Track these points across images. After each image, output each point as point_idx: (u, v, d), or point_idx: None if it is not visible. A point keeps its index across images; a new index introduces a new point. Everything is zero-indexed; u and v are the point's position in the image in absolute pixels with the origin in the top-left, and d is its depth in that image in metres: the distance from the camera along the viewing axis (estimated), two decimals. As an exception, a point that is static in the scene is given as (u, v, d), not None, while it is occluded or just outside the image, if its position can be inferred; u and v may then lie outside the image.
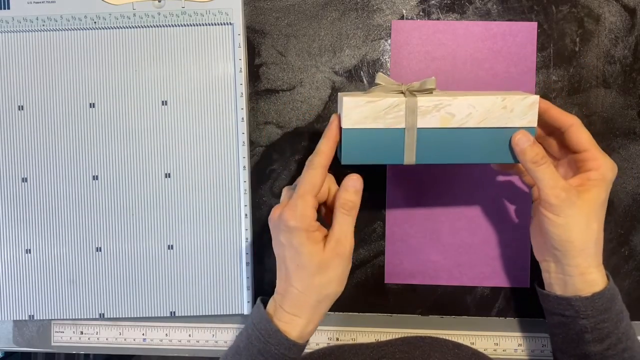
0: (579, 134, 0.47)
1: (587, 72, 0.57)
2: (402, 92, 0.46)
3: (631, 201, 0.57)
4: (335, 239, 0.45)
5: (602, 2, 0.56)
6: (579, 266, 0.46)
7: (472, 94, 0.46)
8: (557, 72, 0.57)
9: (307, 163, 0.46)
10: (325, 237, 0.46)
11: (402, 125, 0.45)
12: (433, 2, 0.57)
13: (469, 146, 0.46)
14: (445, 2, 0.57)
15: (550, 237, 0.46)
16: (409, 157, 0.46)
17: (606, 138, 0.57)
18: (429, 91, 0.46)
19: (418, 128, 0.45)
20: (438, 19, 0.57)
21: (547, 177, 0.45)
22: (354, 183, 0.45)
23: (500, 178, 0.57)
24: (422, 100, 0.45)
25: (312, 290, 0.45)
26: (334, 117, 0.47)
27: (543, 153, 0.45)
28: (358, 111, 0.45)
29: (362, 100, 0.44)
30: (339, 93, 0.48)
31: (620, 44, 0.56)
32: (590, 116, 0.57)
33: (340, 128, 0.46)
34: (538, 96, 0.46)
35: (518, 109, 0.45)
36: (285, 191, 0.48)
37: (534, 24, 0.56)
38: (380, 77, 0.47)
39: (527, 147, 0.45)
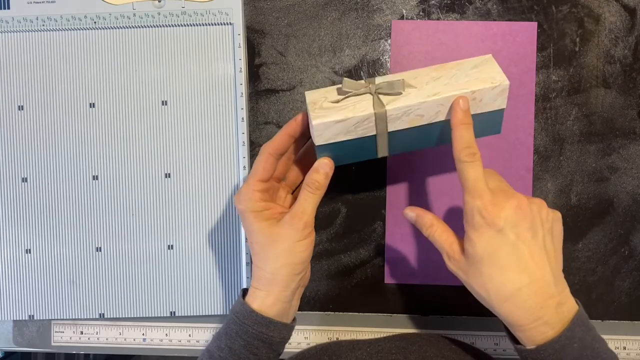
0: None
1: (587, 72, 0.57)
2: (371, 94, 0.45)
3: (631, 201, 0.57)
4: (292, 212, 0.46)
5: (602, 2, 0.56)
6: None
7: (439, 82, 0.45)
8: (557, 72, 0.57)
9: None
10: (283, 214, 0.47)
11: (373, 132, 0.45)
12: (433, 2, 0.57)
13: (441, 133, 0.47)
14: (445, 2, 0.57)
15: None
16: (382, 152, 0.47)
17: (606, 138, 0.57)
18: (398, 94, 0.45)
19: (389, 132, 0.46)
20: (438, 19, 0.57)
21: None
22: (324, 166, 0.46)
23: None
24: (391, 110, 0.44)
25: (266, 261, 0.46)
26: (300, 116, 0.47)
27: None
28: (329, 131, 0.44)
29: (331, 122, 0.44)
30: (305, 92, 0.47)
31: (620, 44, 0.56)
32: (590, 116, 0.57)
33: (307, 129, 0.47)
34: (508, 82, 0.44)
35: (487, 98, 0.45)
36: None
37: (534, 24, 0.56)
38: (346, 83, 0.46)
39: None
